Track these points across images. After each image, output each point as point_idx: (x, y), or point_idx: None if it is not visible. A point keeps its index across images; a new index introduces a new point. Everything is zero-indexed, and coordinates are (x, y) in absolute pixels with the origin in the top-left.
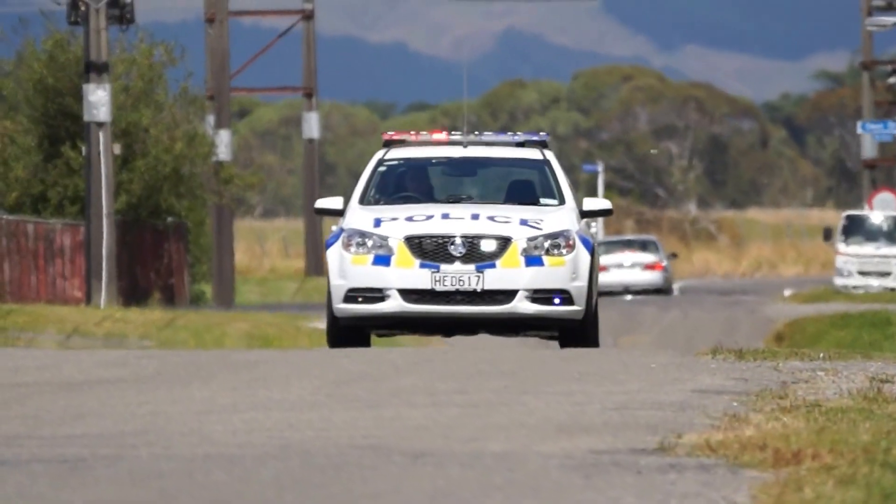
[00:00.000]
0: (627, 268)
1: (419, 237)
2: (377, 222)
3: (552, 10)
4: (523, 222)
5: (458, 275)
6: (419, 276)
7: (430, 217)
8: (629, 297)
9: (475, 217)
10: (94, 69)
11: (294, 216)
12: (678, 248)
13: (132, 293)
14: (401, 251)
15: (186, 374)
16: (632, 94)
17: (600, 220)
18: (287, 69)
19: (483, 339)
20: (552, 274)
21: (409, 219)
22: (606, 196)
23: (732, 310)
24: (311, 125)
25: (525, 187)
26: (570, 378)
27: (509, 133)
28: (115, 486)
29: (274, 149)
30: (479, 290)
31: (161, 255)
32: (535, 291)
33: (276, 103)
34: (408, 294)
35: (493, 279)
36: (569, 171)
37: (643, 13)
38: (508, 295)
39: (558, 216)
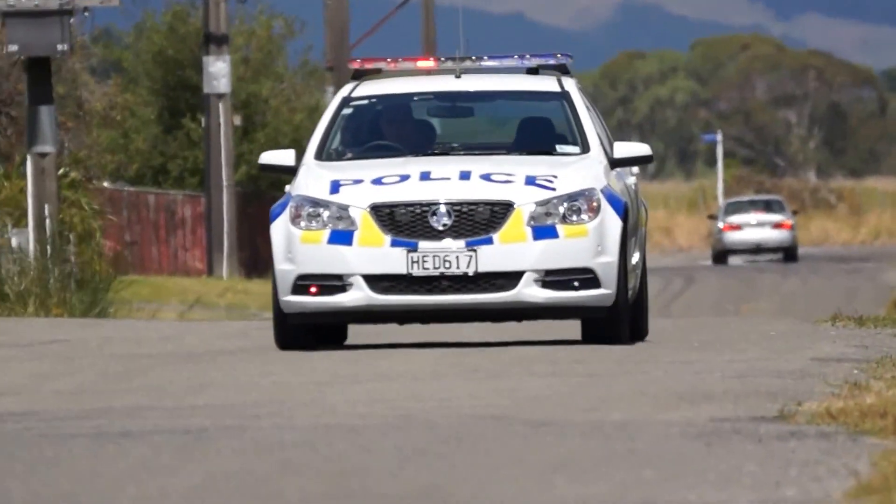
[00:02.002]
0: (755, 226)
1: (390, 205)
2: (335, 186)
3: None
4: (530, 180)
5: (442, 254)
6: (391, 258)
7: (404, 178)
8: (759, 257)
9: (465, 176)
10: (213, 41)
11: None
12: (798, 217)
13: (253, 264)
14: (366, 224)
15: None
16: (750, 63)
17: (720, 182)
18: (406, 40)
19: None
20: (570, 248)
21: (378, 181)
22: (726, 166)
23: (852, 277)
24: None
25: (536, 131)
26: (690, 347)
27: (517, 56)
28: (237, 457)
29: None
30: (470, 273)
31: None
32: (548, 272)
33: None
34: (376, 281)
35: (490, 258)
36: (687, 140)
37: None
38: (511, 278)
39: (578, 169)
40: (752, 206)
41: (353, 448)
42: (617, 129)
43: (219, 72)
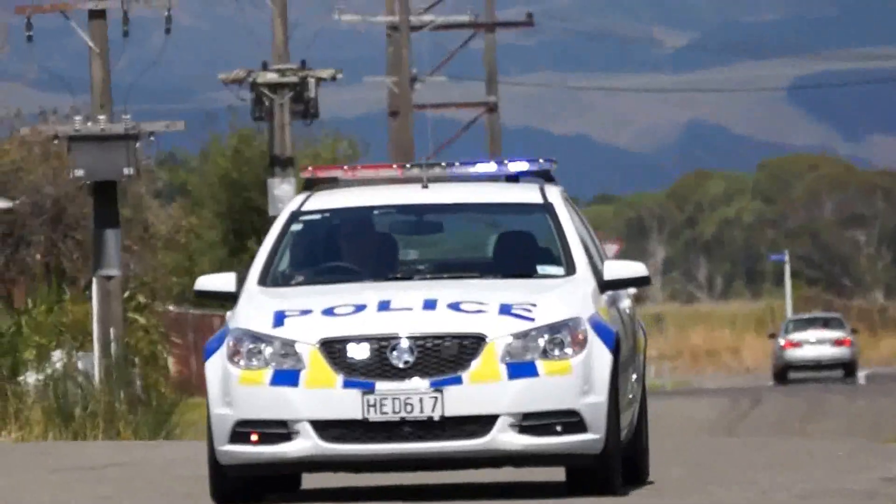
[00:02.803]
0: (815, 343)
1: (342, 340)
2: (279, 318)
3: (736, 101)
4: (505, 309)
5: (403, 396)
6: (343, 401)
7: (360, 308)
8: (818, 373)
9: (430, 305)
10: (278, 163)
11: None
12: (865, 336)
13: None
14: (315, 363)
15: None
16: (818, 183)
17: (788, 302)
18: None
19: None
20: (551, 387)
21: (329, 311)
22: (794, 287)
23: None
24: None
25: (515, 249)
26: (756, 466)
27: (494, 161)
28: None
29: None
30: (436, 417)
31: None
32: (526, 416)
33: None
34: (326, 428)
35: (459, 401)
36: (755, 260)
37: (828, 102)
38: (483, 423)
39: (562, 295)
40: (812, 323)
41: None
42: (684, 250)
43: (284, 194)
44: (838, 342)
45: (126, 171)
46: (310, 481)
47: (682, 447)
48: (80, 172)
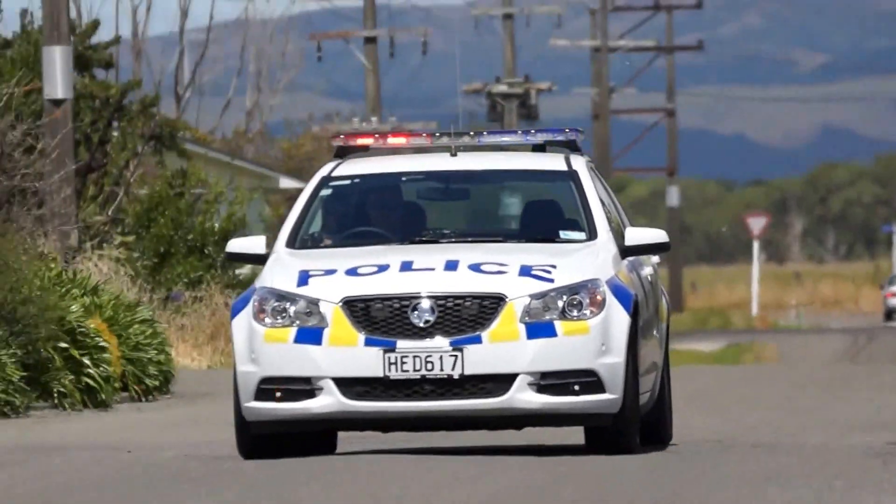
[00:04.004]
0: None
1: (364, 299)
2: (303, 278)
3: (860, 109)
4: (525, 271)
5: (424, 354)
6: (365, 359)
7: (383, 268)
8: None
9: (451, 266)
10: None
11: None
12: None
13: None
14: (337, 321)
15: None
16: None
17: (894, 261)
18: (654, 154)
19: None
20: (569, 347)
21: (352, 272)
22: None
23: None
24: (673, 196)
25: (539, 215)
26: (871, 387)
27: (521, 131)
28: None
29: (644, 214)
30: (456, 375)
31: None
32: (544, 375)
33: (646, 180)
34: (348, 385)
35: (478, 359)
36: (871, 231)
37: None
38: (502, 382)
39: (582, 258)
40: None
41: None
42: (816, 222)
43: None
44: None
45: None
46: (345, 445)
47: (814, 373)
48: None
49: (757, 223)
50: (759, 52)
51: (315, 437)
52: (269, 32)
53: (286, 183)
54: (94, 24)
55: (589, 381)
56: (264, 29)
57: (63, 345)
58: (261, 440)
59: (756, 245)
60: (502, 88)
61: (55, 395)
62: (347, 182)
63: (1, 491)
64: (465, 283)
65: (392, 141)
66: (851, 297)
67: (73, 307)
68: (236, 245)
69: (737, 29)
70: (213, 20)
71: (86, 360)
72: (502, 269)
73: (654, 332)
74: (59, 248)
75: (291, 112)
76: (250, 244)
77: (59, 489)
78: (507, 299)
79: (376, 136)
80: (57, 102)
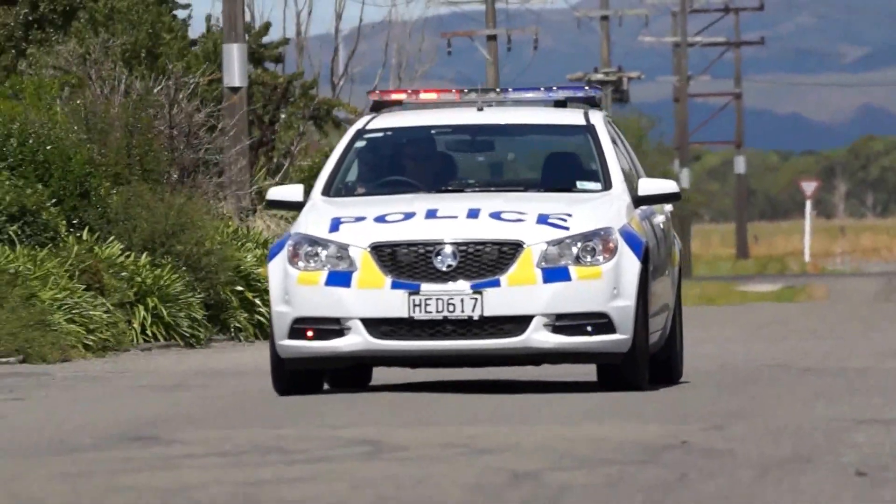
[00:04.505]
0: None
1: (391, 245)
2: (335, 224)
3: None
4: (542, 219)
5: (446, 296)
6: (391, 301)
7: (409, 216)
8: None
9: (473, 214)
10: None
11: (727, 222)
12: None
13: None
14: (366, 265)
15: None
16: None
17: None
18: (724, 130)
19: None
20: (583, 291)
21: (380, 219)
22: None
23: None
24: (740, 164)
25: (558, 166)
26: None
27: (543, 88)
28: None
29: (716, 180)
30: (476, 317)
31: None
32: (559, 317)
33: (718, 152)
34: (376, 325)
35: (497, 302)
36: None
37: None
38: (519, 323)
39: (596, 207)
40: None
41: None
42: (859, 185)
43: None
44: None
45: None
46: (379, 376)
47: (856, 309)
48: None
49: (809, 186)
50: (810, 46)
51: (351, 371)
52: (408, 31)
53: None
54: (266, 26)
55: (601, 322)
56: (404, 29)
57: (239, 288)
58: (295, 376)
59: (808, 204)
60: (599, 77)
61: (232, 329)
62: (381, 134)
63: (189, 405)
64: (485, 230)
65: (424, 96)
66: (887, 247)
67: (247, 257)
68: (277, 193)
69: (792, 26)
70: (363, 22)
71: (257, 301)
72: (521, 217)
73: (666, 276)
74: (235, 209)
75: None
76: (289, 192)
77: (234, 405)
78: (524, 245)
79: (409, 91)
80: (234, 90)
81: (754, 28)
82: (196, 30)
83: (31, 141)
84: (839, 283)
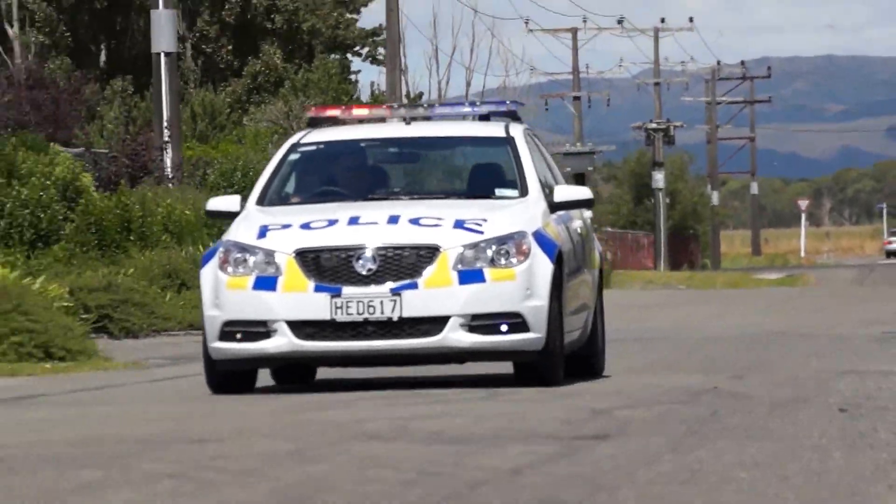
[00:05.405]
0: None
1: (314, 250)
2: (262, 231)
3: (867, 135)
4: (459, 224)
5: (366, 299)
6: (314, 303)
7: (332, 222)
8: None
9: (393, 220)
10: (657, 165)
11: (745, 229)
12: None
13: (676, 264)
14: (290, 270)
15: (690, 298)
16: None
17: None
18: (742, 163)
19: None
20: (497, 292)
21: (305, 226)
22: (889, 217)
23: None
24: (754, 188)
25: (480, 175)
26: (873, 300)
27: (469, 102)
28: None
29: (736, 200)
30: (395, 318)
31: (689, 247)
32: (474, 317)
33: (738, 179)
34: (300, 327)
35: (415, 303)
36: (870, 207)
37: None
38: (436, 323)
39: (510, 213)
40: None
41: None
42: (838, 204)
43: (658, 181)
44: None
45: (589, 168)
46: (325, 373)
47: (837, 291)
48: (567, 169)
49: (803, 203)
50: (804, 103)
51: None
52: (517, 95)
53: None
54: (419, 95)
55: (515, 322)
56: (515, 93)
57: None
58: (227, 376)
59: (803, 216)
60: (653, 126)
61: None
62: (313, 147)
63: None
64: (404, 235)
65: (357, 112)
66: (860, 246)
67: None
68: (215, 203)
69: (791, 90)
70: (485, 87)
71: None
72: (438, 222)
73: (584, 277)
74: None
75: None
76: (226, 203)
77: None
78: (441, 249)
79: (343, 107)
80: None
81: (763, 91)
82: (364, 93)
83: (250, 173)
84: (826, 273)
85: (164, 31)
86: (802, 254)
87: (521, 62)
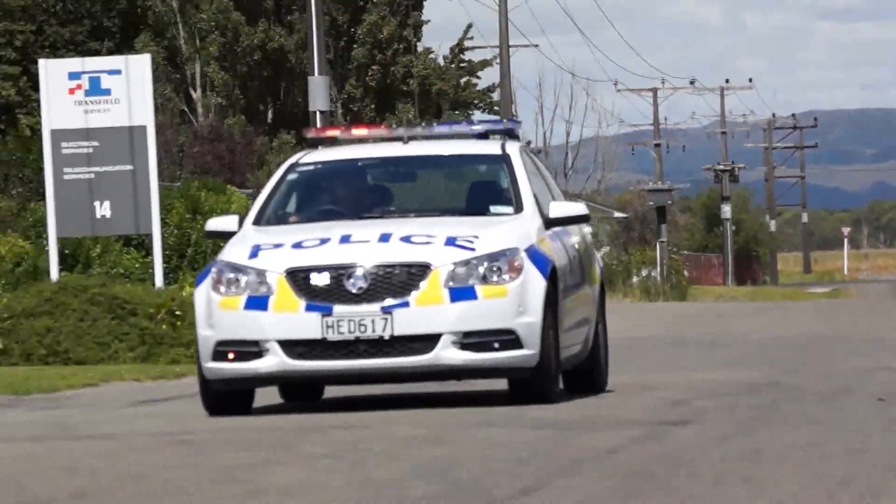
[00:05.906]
0: None
1: (305, 269)
2: (254, 251)
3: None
4: (450, 241)
5: (357, 318)
6: (305, 323)
7: (324, 241)
8: None
9: (385, 238)
10: (724, 200)
11: (797, 251)
12: None
13: (741, 281)
14: (281, 289)
15: (754, 309)
16: None
17: None
18: (794, 197)
19: None
20: (489, 309)
21: (297, 245)
22: None
23: None
24: (804, 217)
25: (476, 192)
26: None
27: (465, 122)
28: None
29: (790, 228)
30: (386, 336)
31: (752, 267)
32: (466, 334)
33: (791, 210)
34: (292, 347)
35: (406, 321)
36: None
37: None
38: (428, 341)
39: (503, 230)
40: None
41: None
42: (874, 229)
43: (725, 214)
44: None
45: (668, 202)
46: (332, 392)
47: (874, 302)
48: (650, 203)
49: (846, 229)
50: (845, 147)
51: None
52: (608, 141)
53: (617, 214)
54: (528, 143)
55: (508, 338)
56: (606, 142)
57: None
58: (222, 396)
59: (846, 240)
60: (720, 167)
61: None
62: (311, 167)
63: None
64: (395, 253)
65: (356, 132)
66: (893, 265)
67: None
68: (213, 224)
69: (834, 136)
70: (582, 137)
71: None
72: (430, 239)
73: (583, 292)
74: None
75: (619, 181)
76: (225, 223)
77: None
78: (432, 267)
79: (343, 128)
80: None
81: (811, 138)
82: None
83: None
84: (864, 287)
85: (319, 93)
86: (845, 271)
87: (612, 115)
